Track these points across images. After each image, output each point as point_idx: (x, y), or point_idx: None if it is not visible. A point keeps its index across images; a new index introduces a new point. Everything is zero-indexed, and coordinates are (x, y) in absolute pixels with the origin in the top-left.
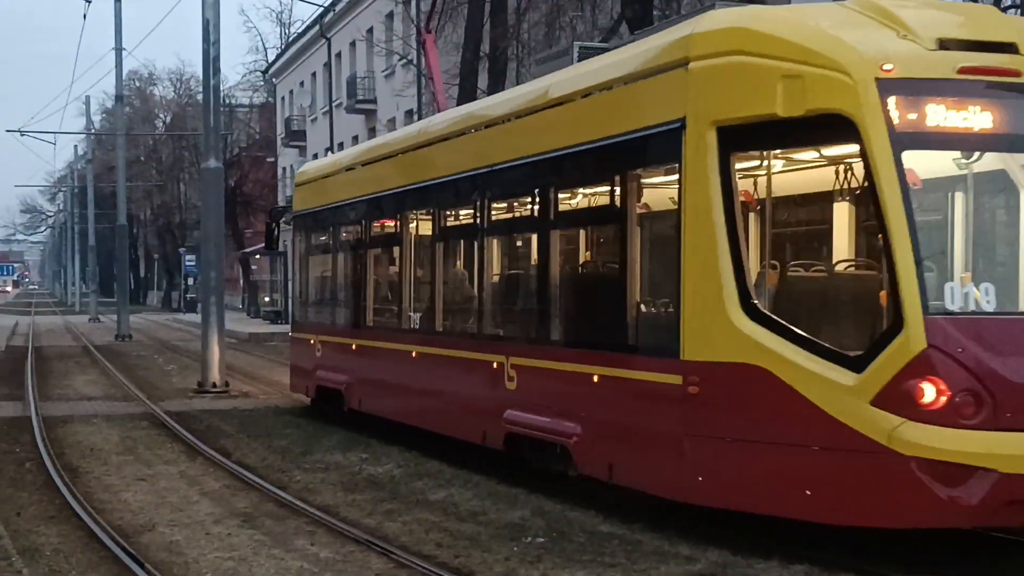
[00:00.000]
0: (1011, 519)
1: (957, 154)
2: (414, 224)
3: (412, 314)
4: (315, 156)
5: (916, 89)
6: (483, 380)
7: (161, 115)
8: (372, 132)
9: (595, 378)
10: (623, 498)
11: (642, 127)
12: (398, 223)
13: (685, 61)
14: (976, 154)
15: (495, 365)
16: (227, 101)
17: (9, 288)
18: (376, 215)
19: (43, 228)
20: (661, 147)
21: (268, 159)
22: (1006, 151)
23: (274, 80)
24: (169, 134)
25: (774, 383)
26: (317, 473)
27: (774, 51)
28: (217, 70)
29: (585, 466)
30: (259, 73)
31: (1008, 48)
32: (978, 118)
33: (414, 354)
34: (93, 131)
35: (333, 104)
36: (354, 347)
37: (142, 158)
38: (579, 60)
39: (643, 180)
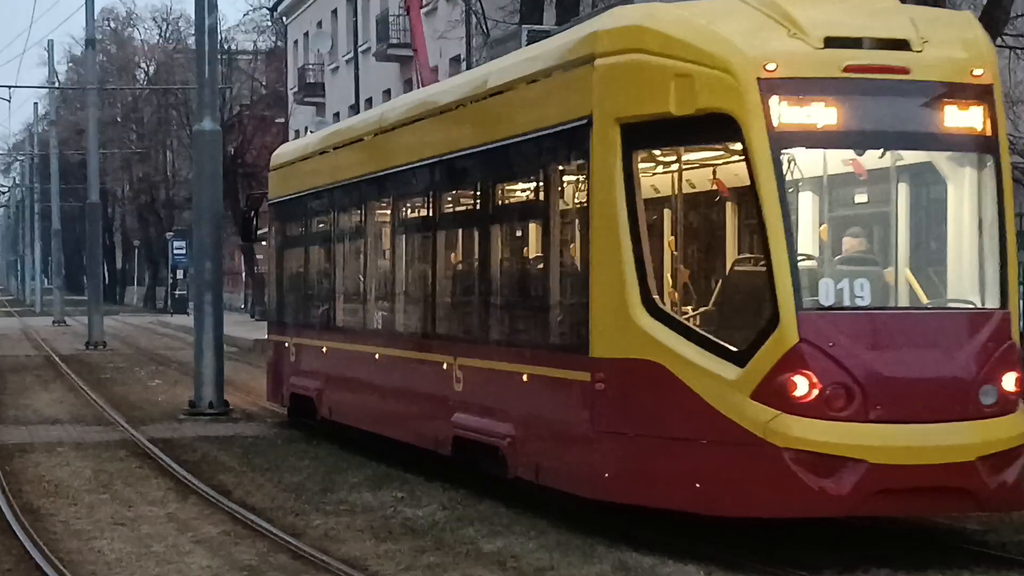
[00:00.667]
0: (882, 508)
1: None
2: (373, 217)
3: (375, 314)
4: (336, 116)
5: (798, 88)
6: (441, 383)
7: (143, 64)
8: (408, 85)
9: (524, 377)
10: (726, 550)
11: (558, 123)
12: (360, 215)
13: (592, 58)
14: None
15: (444, 367)
16: (226, 46)
17: None
18: (339, 206)
19: None
20: (573, 144)
21: (277, 119)
22: (891, 149)
23: (284, 20)
24: (152, 88)
25: (668, 378)
26: (340, 516)
27: (668, 50)
28: (214, 6)
29: (517, 468)
30: (265, 11)
31: (899, 45)
32: (862, 116)
33: (377, 356)
34: (57, 85)
35: (359, 50)
36: (324, 350)
37: (119, 119)
38: (528, 44)
39: (562, 179)
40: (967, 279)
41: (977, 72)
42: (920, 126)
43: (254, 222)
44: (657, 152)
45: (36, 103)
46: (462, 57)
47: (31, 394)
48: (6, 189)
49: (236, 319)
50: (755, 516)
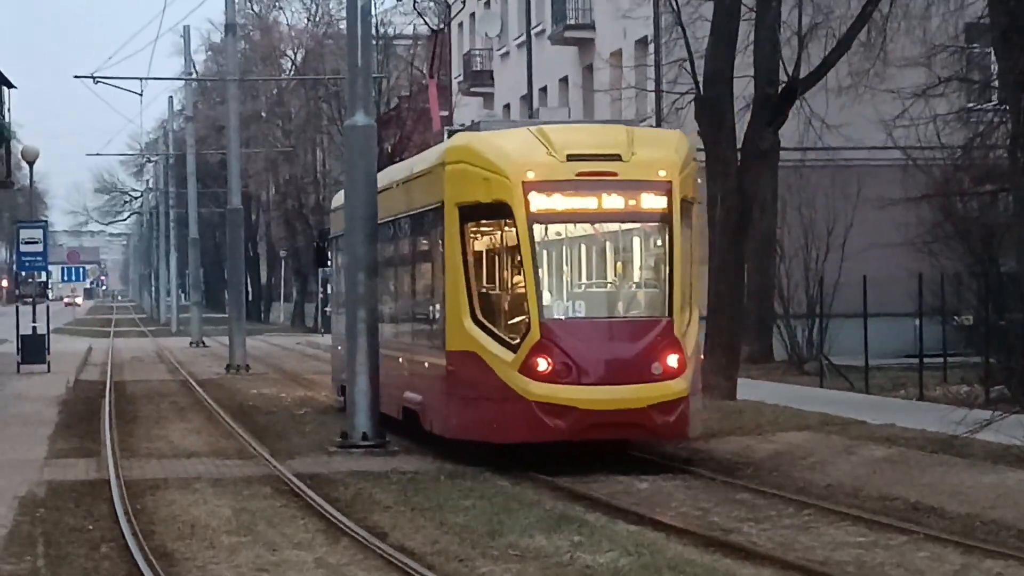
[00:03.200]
0: (591, 435)
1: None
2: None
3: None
4: (506, 109)
5: (547, 187)
6: (398, 370)
7: (289, 52)
8: (589, 71)
9: (426, 364)
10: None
11: (431, 202)
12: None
13: (444, 164)
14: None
15: (400, 359)
16: (382, 31)
17: (79, 299)
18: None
19: (126, 214)
20: (436, 218)
21: (440, 112)
22: (604, 223)
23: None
24: (301, 79)
25: (479, 362)
26: (510, 563)
27: (478, 162)
28: None
29: (424, 423)
30: None
31: (615, 157)
32: (587, 203)
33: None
34: (194, 76)
35: (532, 32)
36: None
37: (263, 113)
38: (447, 137)
39: (435, 239)
40: (648, 299)
41: (662, 173)
42: (623, 208)
43: (326, 250)
44: (477, 224)
45: (171, 97)
46: (649, 38)
47: (165, 424)
48: (139, 193)
49: None
50: (521, 442)
